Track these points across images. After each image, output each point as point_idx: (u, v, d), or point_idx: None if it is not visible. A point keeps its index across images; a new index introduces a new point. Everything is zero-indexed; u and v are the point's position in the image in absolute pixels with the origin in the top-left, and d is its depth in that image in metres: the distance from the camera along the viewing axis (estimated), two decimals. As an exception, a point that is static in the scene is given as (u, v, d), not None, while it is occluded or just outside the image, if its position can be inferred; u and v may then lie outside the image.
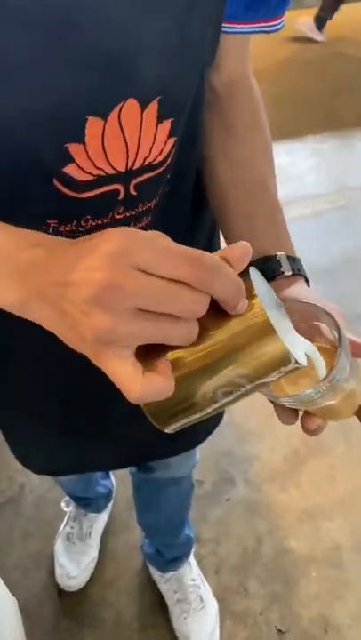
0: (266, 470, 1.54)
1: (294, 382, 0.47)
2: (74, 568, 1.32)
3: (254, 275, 0.36)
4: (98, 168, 0.48)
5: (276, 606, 1.30)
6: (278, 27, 0.57)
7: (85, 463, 0.91)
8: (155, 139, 0.49)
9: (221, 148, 0.60)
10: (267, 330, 0.34)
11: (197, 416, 0.37)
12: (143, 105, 0.46)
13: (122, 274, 0.31)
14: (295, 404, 0.44)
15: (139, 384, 0.33)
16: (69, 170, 0.47)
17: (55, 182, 0.47)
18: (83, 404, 0.72)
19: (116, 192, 0.50)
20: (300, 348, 0.40)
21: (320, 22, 3.92)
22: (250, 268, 0.36)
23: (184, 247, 0.32)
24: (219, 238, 0.73)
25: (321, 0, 3.88)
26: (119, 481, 1.47)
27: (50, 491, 1.48)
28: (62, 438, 0.80)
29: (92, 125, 0.45)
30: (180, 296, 0.31)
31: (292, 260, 0.54)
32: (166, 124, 0.49)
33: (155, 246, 0.31)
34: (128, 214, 0.52)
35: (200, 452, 1.15)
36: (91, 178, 0.48)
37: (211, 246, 0.72)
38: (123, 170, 0.49)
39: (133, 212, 0.53)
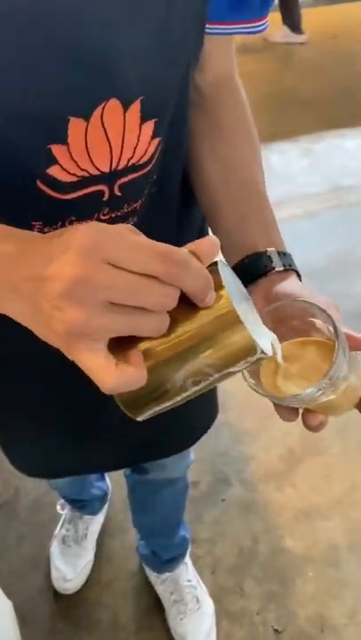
0: (261, 470, 1.54)
1: (287, 379, 0.46)
2: (70, 571, 1.32)
3: (222, 268, 0.37)
4: (82, 169, 0.48)
5: (272, 606, 1.30)
6: (262, 28, 0.57)
7: (82, 465, 0.91)
8: (138, 139, 0.49)
9: (209, 148, 0.60)
10: (234, 321, 0.35)
11: (168, 404, 0.39)
12: (125, 105, 0.46)
13: (93, 268, 0.31)
14: (297, 403, 0.44)
15: (112, 375, 0.34)
16: (53, 171, 0.47)
17: (39, 184, 0.47)
18: (81, 404, 0.72)
19: (101, 193, 0.50)
20: (266, 338, 0.42)
21: (291, 25, 3.93)
22: (218, 261, 0.37)
23: (154, 242, 0.33)
24: (208, 235, 0.73)
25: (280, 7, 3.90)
26: (114, 483, 1.46)
27: (45, 494, 1.48)
28: (60, 439, 0.80)
29: (75, 126, 0.45)
30: (150, 290, 0.32)
31: (283, 255, 0.54)
32: (150, 125, 0.49)
33: (125, 241, 0.32)
34: (114, 215, 0.53)
35: (195, 452, 1.15)
36: (75, 179, 0.48)
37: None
38: (107, 170, 0.49)
39: (119, 213, 0.53)
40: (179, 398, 0.38)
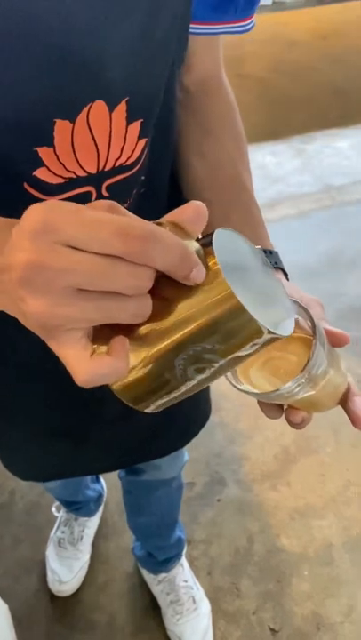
0: (256, 470, 1.54)
1: (267, 375, 0.46)
2: (66, 573, 1.31)
3: (223, 236, 0.32)
4: (69, 171, 0.48)
5: (268, 605, 1.30)
6: (248, 27, 0.57)
7: (75, 467, 0.90)
8: (125, 140, 0.49)
9: (197, 147, 0.60)
10: (230, 300, 0.30)
11: (174, 395, 0.35)
12: (111, 106, 0.46)
13: (47, 252, 0.28)
14: (277, 399, 0.43)
15: (86, 366, 0.31)
16: (40, 173, 0.47)
17: (26, 186, 0.47)
18: (73, 405, 0.72)
19: (88, 194, 0.50)
20: (289, 315, 0.36)
21: None
22: (217, 230, 0.32)
23: (114, 217, 0.29)
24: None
25: None
26: (110, 484, 1.46)
27: (40, 496, 1.48)
28: (53, 442, 0.80)
29: (61, 128, 0.45)
30: (114, 271, 0.28)
31: (270, 253, 0.54)
32: (136, 125, 0.49)
33: (81, 218, 0.28)
34: (101, 216, 0.53)
35: (190, 453, 1.15)
36: (62, 181, 0.48)
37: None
38: (94, 172, 0.49)
39: (107, 214, 0.53)
40: (185, 388, 0.34)
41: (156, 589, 1.29)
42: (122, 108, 0.47)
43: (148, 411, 0.36)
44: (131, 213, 0.31)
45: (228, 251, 0.32)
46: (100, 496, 1.42)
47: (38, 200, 0.48)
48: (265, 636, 1.26)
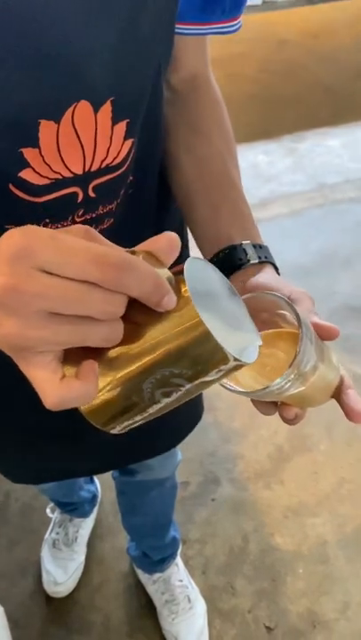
0: (250, 469, 1.55)
1: (256, 373, 0.46)
2: (61, 574, 1.31)
3: (194, 265, 0.34)
4: (54, 172, 0.48)
5: (263, 603, 1.30)
6: (235, 28, 0.57)
7: (67, 469, 0.90)
8: (111, 140, 0.49)
9: (184, 144, 0.60)
10: (198, 327, 0.31)
11: (140, 417, 0.36)
12: (96, 106, 0.46)
13: (22, 276, 0.29)
14: (267, 396, 0.43)
15: (55, 390, 0.31)
16: (25, 174, 0.47)
17: (11, 187, 0.47)
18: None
19: (75, 195, 0.50)
20: (254, 343, 0.38)
21: None
22: (189, 259, 0.34)
23: (90, 244, 0.30)
24: (187, 237, 0.74)
25: None
26: (104, 485, 1.46)
27: (35, 498, 1.48)
28: (44, 444, 0.80)
29: (46, 129, 0.45)
30: (88, 297, 0.29)
31: (259, 247, 0.53)
32: (122, 126, 0.49)
33: (57, 245, 0.29)
34: (88, 217, 0.53)
35: (184, 453, 1.15)
36: (47, 182, 0.48)
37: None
38: (80, 173, 0.49)
39: (94, 215, 0.53)
40: (151, 410, 0.35)
41: (152, 589, 1.29)
42: (107, 109, 0.47)
43: (114, 432, 0.37)
44: (106, 240, 0.32)
45: (197, 279, 0.33)
46: (95, 497, 1.42)
47: (23, 201, 0.48)
48: (260, 635, 1.26)
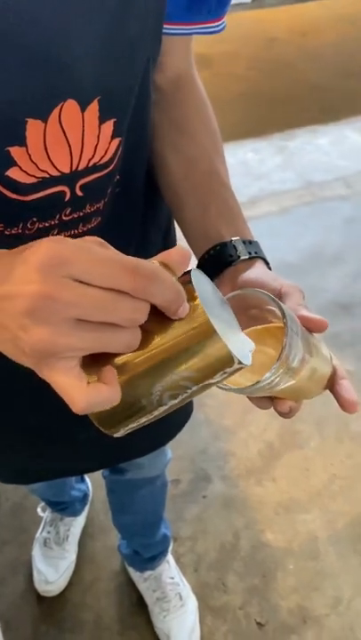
0: (241, 466, 1.55)
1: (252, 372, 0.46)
2: (52, 573, 1.31)
3: (197, 276, 0.36)
4: (41, 170, 0.48)
5: (255, 600, 1.31)
6: (219, 28, 0.58)
7: (56, 469, 0.90)
8: (98, 139, 0.49)
9: (171, 144, 0.60)
10: (209, 332, 0.34)
11: (145, 420, 0.38)
12: (83, 106, 0.46)
13: (56, 285, 0.30)
14: (258, 392, 0.43)
15: (84, 395, 0.33)
16: (12, 173, 0.47)
17: (-2, 186, 0.47)
18: (52, 407, 0.72)
19: (62, 194, 0.50)
20: (244, 347, 0.41)
21: None
22: (192, 270, 0.36)
23: (120, 255, 0.32)
24: (175, 235, 0.74)
25: None
26: (95, 484, 1.46)
27: (26, 497, 1.47)
28: (32, 444, 0.80)
29: (33, 128, 0.45)
30: (118, 305, 0.31)
31: (249, 243, 0.54)
32: (109, 124, 0.49)
33: (90, 256, 0.31)
34: (76, 215, 0.53)
35: (175, 450, 1.16)
36: (35, 180, 0.48)
37: (166, 244, 0.72)
38: (67, 171, 0.49)
39: (81, 214, 0.53)
40: (157, 413, 0.37)
41: (143, 587, 1.30)
42: (94, 108, 0.47)
43: (117, 435, 0.38)
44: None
45: (200, 289, 0.36)
46: (86, 495, 1.42)
47: (10, 200, 0.48)
48: (252, 631, 1.27)
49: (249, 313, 0.47)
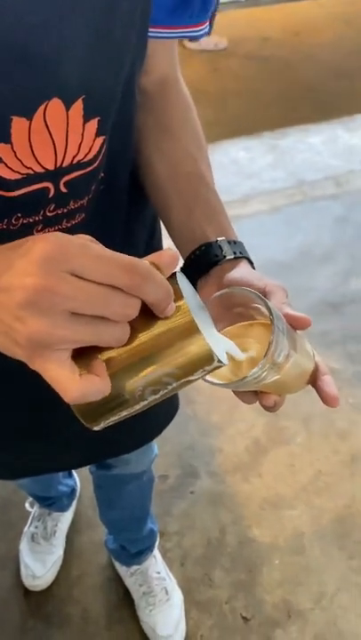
0: (229, 462, 1.56)
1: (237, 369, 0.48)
2: (39, 567, 1.32)
3: (181, 279, 0.38)
4: (26, 167, 0.48)
5: (240, 594, 1.32)
6: (203, 32, 0.59)
7: (42, 465, 0.91)
8: (82, 137, 0.50)
9: (156, 145, 0.61)
10: (192, 331, 0.36)
11: (125, 414, 0.39)
12: (67, 104, 0.47)
13: (56, 278, 0.32)
14: (243, 386, 0.45)
15: (78, 385, 0.34)
16: (-3, 169, 0.47)
17: (-18, 182, 0.48)
18: (33, 404, 0.72)
19: (46, 190, 0.51)
20: (222, 347, 0.43)
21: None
22: (176, 272, 0.38)
23: (117, 254, 0.34)
24: (160, 234, 0.75)
25: None
26: (83, 479, 1.47)
27: (14, 493, 1.48)
28: (17, 440, 0.80)
29: (17, 125, 0.46)
30: (112, 300, 0.33)
31: (234, 243, 0.55)
32: (93, 123, 0.50)
33: (88, 252, 0.32)
34: (60, 212, 0.53)
35: (163, 446, 1.17)
36: (19, 176, 0.49)
37: (152, 242, 0.73)
38: (52, 168, 0.50)
39: (65, 210, 0.54)
40: (137, 407, 0.39)
41: (129, 581, 1.31)
42: (78, 106, 0.48)
43: (97, 428, 0.39)
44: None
45: (184, 290, 0.38)
46: (73, 491, 1.42)
47: None
48: (237, 625, 1.28)
49: (235, 311, 0.48)
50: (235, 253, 0.54)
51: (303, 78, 3.56)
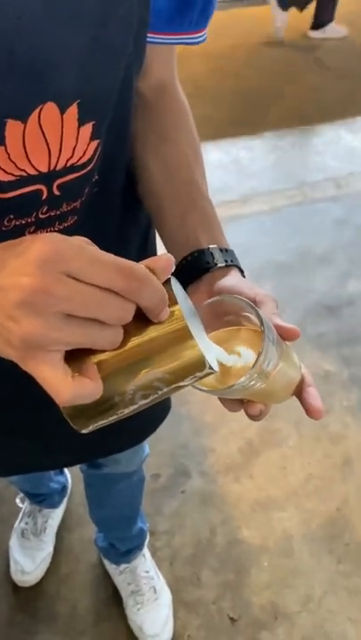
0: (221, 462, 1.57)
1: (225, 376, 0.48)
2: (29, 563, 1.32)
3: (175, 284, 0.38)
4: (20, 169, 0.48)
5: (228, 595, 1.33)
6: (200, 39, 0.59)
7: (32, 463, 0.90)
8: (77, 141, 0.50)
9: (152, 150, 0.61)
10: (185, 337, 0.36)
11: (114, 417, 0.39)
12: (62, 108, 0.47)
13: (52, 279, 0.31)
14: (230, 394, 0.45)
15: (70, 387, 0.34)
16: (-10, 171, 0.47)
17: (-25, 184, 0.47)
18: (25, 402, 0.72)
19: (39, 192, 0.51)
20: (213, 354, 0.43)
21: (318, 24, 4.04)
22: (170, 278, 0.38)
23: (114, 257, 0.33)
24: (154, 238, 0.75)
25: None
26: (75, 476, 1.47)
27: (5, 488, 1.48)
28: (9, 440, 0.80)
29: (12, 128, 0.45)
30: (108, 303, 0.33)
31: (225, 251, 0.55)
32: (88, 127, 0.50)
33: (86, 254, 0.32)
34: (52, 214, 0.53)
35: (156, 445, 1.17)
36: (13, 178, 0.48)
37: (146, 245, 0.73)
38: (45, 171, 0.50)
39: (58, 212, 0.54)
40: (127, 411, 0.38)
41: (118, 579, 1.31)
42: (73, 110, 0.48)
43: (84, 431, 0.39)
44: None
45: (178, 295, 0.38)
46: (65, 488, 1.43)
47: None
48: (224, 625, 1.28)
49: (225, 319, 0.48)
50: (226, 261, 0.54)
51: (306, 78, 3.56)
